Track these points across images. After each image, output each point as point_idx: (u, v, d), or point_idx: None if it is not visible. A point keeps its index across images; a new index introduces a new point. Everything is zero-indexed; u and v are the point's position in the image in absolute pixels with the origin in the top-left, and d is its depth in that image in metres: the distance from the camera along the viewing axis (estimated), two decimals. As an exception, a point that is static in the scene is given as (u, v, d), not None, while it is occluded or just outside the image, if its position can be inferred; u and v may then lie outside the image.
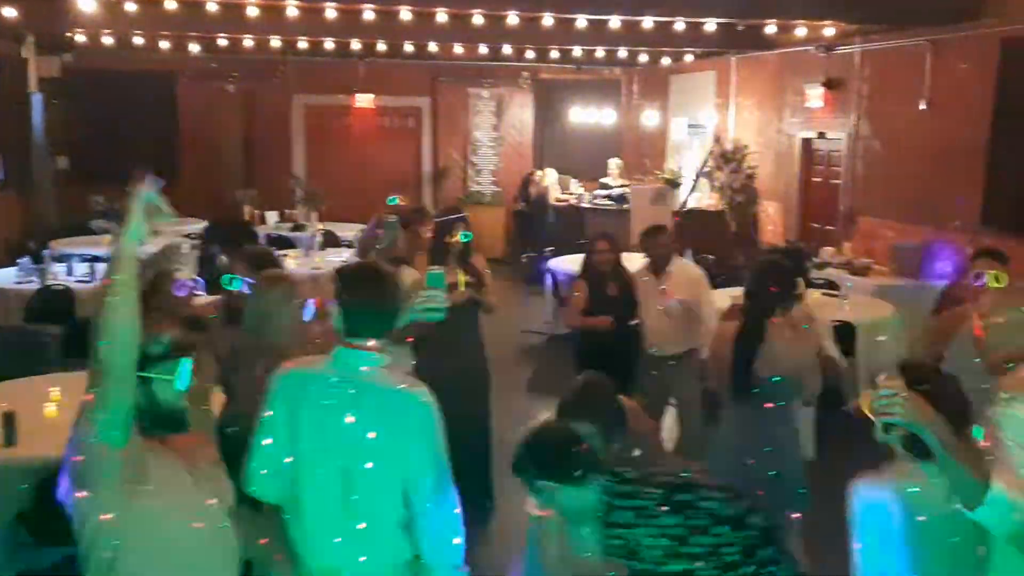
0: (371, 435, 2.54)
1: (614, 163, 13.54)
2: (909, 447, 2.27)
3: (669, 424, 5.46)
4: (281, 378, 2.67)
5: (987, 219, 7.68)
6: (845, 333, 6.71)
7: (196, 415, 2.39)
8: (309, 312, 3.25)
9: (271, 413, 2.63)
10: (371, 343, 2.61)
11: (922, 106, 8.40)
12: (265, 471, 2.65)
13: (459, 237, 5.26)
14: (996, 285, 4.04)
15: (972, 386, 2.58)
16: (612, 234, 5.86)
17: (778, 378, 3.72)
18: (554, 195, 13.20)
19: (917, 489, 2.30)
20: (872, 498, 2.35)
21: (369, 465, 2.55)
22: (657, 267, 5.48)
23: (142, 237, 2.11)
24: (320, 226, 10.64)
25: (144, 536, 2.15)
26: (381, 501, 2.60)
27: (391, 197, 7.59)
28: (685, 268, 5.66)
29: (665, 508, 2.33)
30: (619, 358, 5.50)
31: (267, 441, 2.63)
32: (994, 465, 2.17)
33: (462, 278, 5.15)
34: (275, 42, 10.93)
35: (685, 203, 11.41)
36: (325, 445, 2.58)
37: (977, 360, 3.74)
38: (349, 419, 2.54)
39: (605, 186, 13.22)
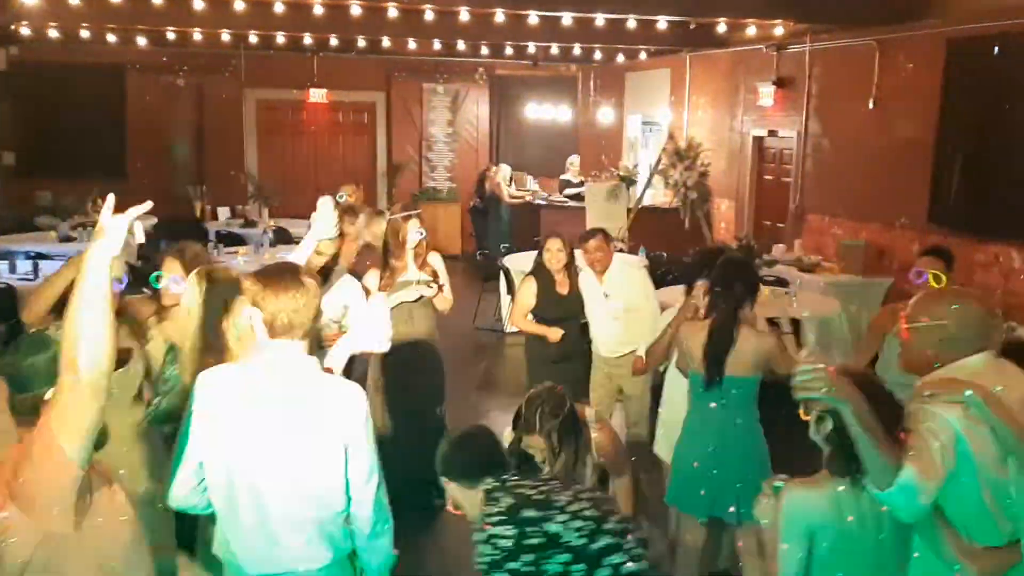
0: (310, 431, 2.54)
1: (574, 160, 13.56)
2: (837, 447, 2.30)
3: (618, 423, 5.47)
4: (206, 382, 2.59)
5: (933, 217, 7.80)
6: (792, 329, 6.81)
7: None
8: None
9: (202, 419, 2.57)
10: (297, 341, 2.57)
11: (870, 105, 8.51)
12: (193, 483, 2.60)
13: (412, 235, 5.21)
14: (936, 285, 4.12)
15: (907, 382, 2.61)
16: (562, 233, 5.86)
17: (749, 375, 3.77)
18: (505, 192, 13.18)
19: (843, 489, 2.32)
20: (800, 499, 2.36)
21: (310, 461, 2.55)
22: (597, 271, 5.46)
23: (116, 252, 2.03)
24: (272, 223, 10.52)
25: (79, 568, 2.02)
26: (324, 495, 2.60)
27: (340, 192, 7.56)
28: (627, 269, 5.63)
29: (506, 526, 2.36)
30: (568, 357, 5.50)
31: (196, 450, 2.57)
32: (910, 454, 2.21)
33: (412, 275, 5.13)
34: (225, 36, 10.77)
35: (640, 200, 11.45)
36: (262, 446, 2.54)
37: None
38: (288, 416, 2.52)
39: (567, 183, 13.23)
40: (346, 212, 7.45)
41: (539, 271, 5.54)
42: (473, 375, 8.02)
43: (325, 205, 3.37)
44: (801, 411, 2.34)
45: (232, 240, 9.70)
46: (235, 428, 2.54)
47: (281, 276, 2.56)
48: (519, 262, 9.17)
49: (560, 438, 3.28)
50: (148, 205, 2.13)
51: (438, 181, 14.50)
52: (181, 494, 2.60)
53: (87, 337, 1.92)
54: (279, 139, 13.71)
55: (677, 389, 4.28)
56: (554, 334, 5.37)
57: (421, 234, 5.23)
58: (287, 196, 11.27)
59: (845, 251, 8.60)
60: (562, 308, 5.45)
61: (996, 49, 7.06)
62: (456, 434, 2.85)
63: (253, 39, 11.09)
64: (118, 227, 2.01)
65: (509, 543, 2.32)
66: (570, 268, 5.54)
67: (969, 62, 7.37)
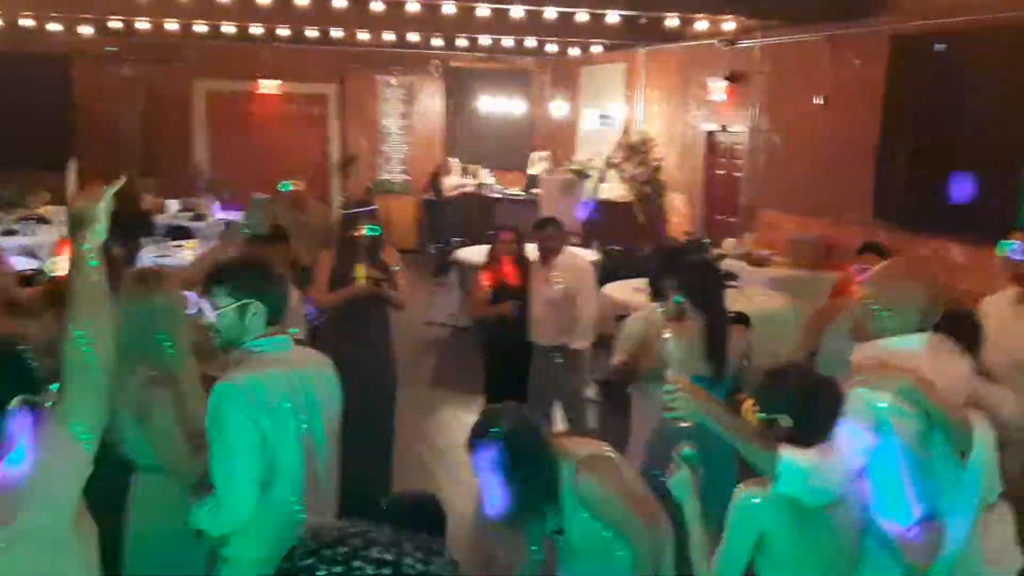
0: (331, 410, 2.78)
1: (538, 156, 13.55)
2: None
3: (558, 419, 5.49)
4: (236, 390, 2.54)
5: (878, 213, 7.90)
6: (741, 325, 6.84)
7: None
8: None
9: (246, 430, 2.52)
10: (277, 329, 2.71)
11: (818, 101, 8.59)
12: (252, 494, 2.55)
13: (365, 231, 5.16)
14: None
15: (845, 376, 2.63)
16: (517, 226, 5.88)
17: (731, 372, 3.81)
18: (451, 184, 13.13)
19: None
20: (745, 500, 2.36)
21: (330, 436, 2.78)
22: (546, 258, 5.49)
23: (103, 235, 1.97)
24: (222, 215, 10.38)
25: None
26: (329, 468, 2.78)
27: (284, 182, 7.46)
28: (574, 259, 5.69)
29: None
30: (521, 350, 5.50)
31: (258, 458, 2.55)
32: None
33: (361, 271, 5.06)
34: (173, 25, 10.57)
35: (596, 194, 11.48)
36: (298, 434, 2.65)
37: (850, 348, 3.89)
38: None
39: (532, 178, 13.22)
40: (295, 204, 7.43)
41: (493, 262, 5.59)
42: (424, 371, 7.97)
43: (258, 203, 3.34)
44: (746, 409, 2.40)
45: (181, 233, 9.55)
46: (277, 423, 2.59)
47: (271, 268, 2.72)
48: (472, 256, 9.15)
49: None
50: (122, 180, 2.07)
51: (392, 174, 14.40)
52: (245, 511, 2.53)
53: (96, 329, 1.91)
54: (230, 131, 13.50)
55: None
56: (508, 308, 5.45)
57: (375, 230, 5.18)
58: (238, 188, 11.11)
59: (794, 246, 8.69)
60: (515, 299, 5.47)
61: (938, 47, 7.16)
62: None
63: (202, 29, 10.90)
64: (102, 211, 1.96)
65: None
66: (521, 260, 5.58)
67: (912, 59, 7.47)
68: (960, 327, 2.79)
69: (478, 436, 2.58)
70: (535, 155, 13.64)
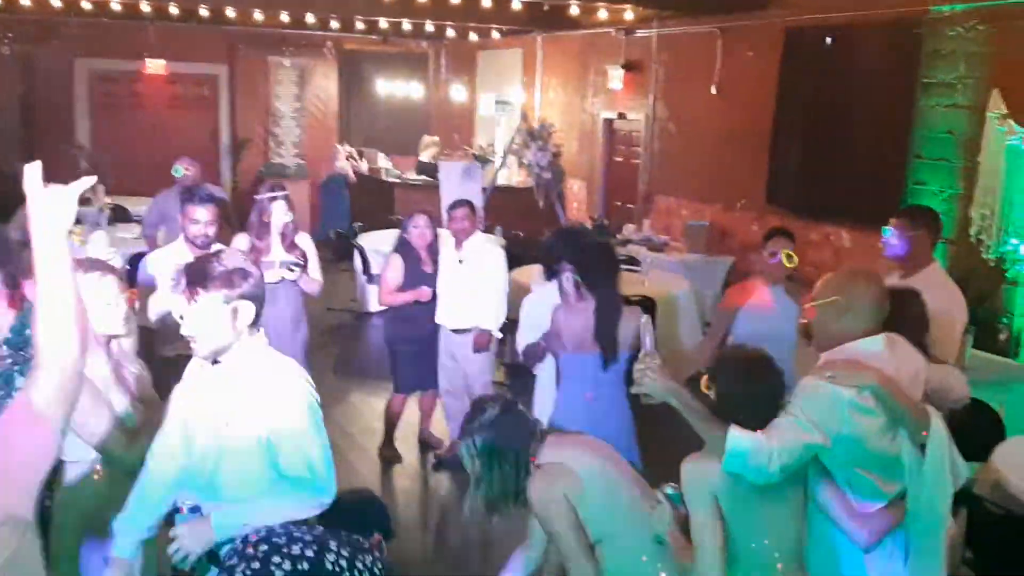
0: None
1: (429, 140, 13.46)
2: (726, 413, 2.42)
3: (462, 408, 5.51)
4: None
5: (771, 199, 8.21)
6: (645, 308, 7.01)
7: None
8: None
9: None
10: None
11: (713, 90, 8.85)
12: None
13: (281, 216, 5.03)
14: (789, 264, 4.37)
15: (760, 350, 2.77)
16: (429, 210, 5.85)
17: (627, 351, 3.86)
18: (340, 167, 12.94)
19: None
20: (698, 471, 2.46)
21: None
22: (458, 240, 5.49)
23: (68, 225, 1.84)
24: (108, 200, 9.94)
25: None
26: None
27: (176, 167, 7.19)
28: (485, 243, 5.71)
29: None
30: (429, 334, 5.49)
31: None
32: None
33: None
34: (55, 1, 10.05)
35: (495, 180, 11.51)
36: None
37: (762, 329, 4.06)
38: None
39: (423, 163, 13.12)
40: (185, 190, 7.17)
41: (404, 248, 5.53)
42: (329, 358, 7.86)
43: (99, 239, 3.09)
44: (703, 384, 2.58)
45: (64, 219, 9.10)
46: None
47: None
48: (374, 241, 9.06)
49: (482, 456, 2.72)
50: (93, 179, 1.95)
51: (285, 157, 14.08)
52: None
53: (57, 327, 1.80)
54: (114, 112, 12.94)
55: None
56: (424, 293, 5.42)
57: (288, 215, 5.07)
58: (124, 172, 10.66)
59: (690, 231, 8.94)
60: (428, 285, 5.45)
61: (829, 40, 7.47)
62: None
63: (86, 5, 10.40)
64: (61, 198, 1.80)
65: None
66: (433, 246, 5.56)
67: (804, 52, 7.78)
68: (908, 306, 2.96)
69: (470, 421, 2.67)
70: (426, 139, 13.56)
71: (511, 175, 11.79)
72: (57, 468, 2.76)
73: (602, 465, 2.70)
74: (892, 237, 4.16)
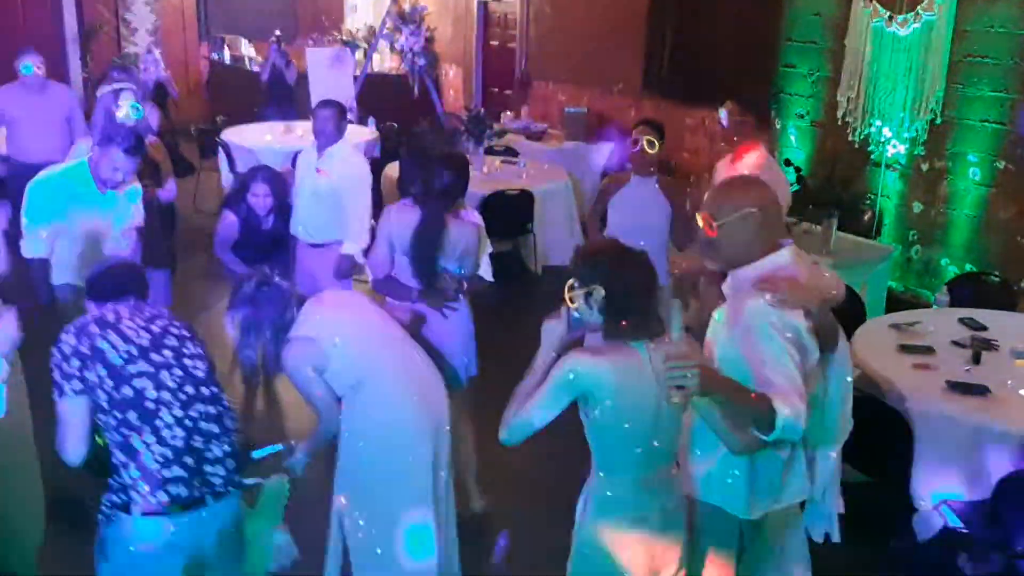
0: None
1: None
2: (610, 314, 2.35)
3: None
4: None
5: (647, 84, 8.14)
6: (523, 202, 6.92)
7: None
8: None
9: None
10: None
11: (589, -29, 8.62)
12: None
13: (128, 111, 4.63)
14: (650, 151, 4.33)
15: (630, 242, 2.62)
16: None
17: (457, 267, 3.71)
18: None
19: (623, 356, 2.37)
20: (583, 364, 2.34)
21: None
22: (319, 146, 5.00)
23: None
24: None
25: None
26: None
27: (26, 64, 6.58)
28: (348, 152, 5.23)
29: None
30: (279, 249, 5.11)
31: None
32: (778, 387, 2.24)
33: None
34: None
35: (366, 67, 11.05)
36: None
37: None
38: None
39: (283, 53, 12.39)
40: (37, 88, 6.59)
41: (242, 208, 5.05)
42: (197, 267, 7.42)
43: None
44: (567, 296, 2.39)
45: None
46: None
47: None
48: (240, 136, 8.62)
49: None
50: None
51: (140, 47, 13.15)
52: None
53: None
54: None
55: None
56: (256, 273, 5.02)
57: (136, 109, 4.66)
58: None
59: (568, 118, 8.83)
60: (266, 252, 4.95)
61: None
62: None
63: None
64: None
65: None
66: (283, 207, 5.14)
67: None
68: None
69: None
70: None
71: (383, 61, 11.33)
72: None
73: (357, 323, 3.12)
74: (724, 118, 4.75)
